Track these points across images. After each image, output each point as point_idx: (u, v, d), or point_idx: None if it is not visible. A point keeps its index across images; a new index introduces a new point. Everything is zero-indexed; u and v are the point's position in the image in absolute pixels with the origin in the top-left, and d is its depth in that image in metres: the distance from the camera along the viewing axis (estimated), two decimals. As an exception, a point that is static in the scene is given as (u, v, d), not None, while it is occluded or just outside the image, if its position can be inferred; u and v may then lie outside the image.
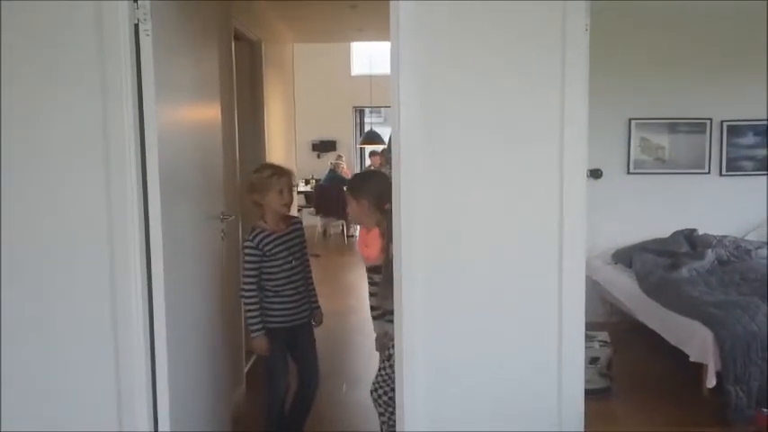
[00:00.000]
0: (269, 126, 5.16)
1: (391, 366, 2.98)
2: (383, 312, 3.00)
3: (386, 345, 3.03)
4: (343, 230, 10.71)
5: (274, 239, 3.23)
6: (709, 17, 5.46)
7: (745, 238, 5.55)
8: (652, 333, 4.52)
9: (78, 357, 2.57)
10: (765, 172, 5.73)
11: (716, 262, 5.07)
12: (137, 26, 2.47)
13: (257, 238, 3.20)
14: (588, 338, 3.57)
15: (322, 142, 12.78)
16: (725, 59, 5.59)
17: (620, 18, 5.30)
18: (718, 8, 5.34)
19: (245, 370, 4.42)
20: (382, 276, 2.90)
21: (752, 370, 3.74)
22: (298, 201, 7.50)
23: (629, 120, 5.70)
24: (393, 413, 2.94)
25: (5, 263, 2.54)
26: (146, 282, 2.56)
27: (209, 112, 3.26)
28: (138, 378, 2.56)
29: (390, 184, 2.58)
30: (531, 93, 2.51)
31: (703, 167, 5.76)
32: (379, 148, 11.32)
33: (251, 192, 3.26)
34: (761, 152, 5.74)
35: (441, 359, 2.58)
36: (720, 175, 5.78)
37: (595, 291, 5.31)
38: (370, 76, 11.70)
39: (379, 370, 3.07)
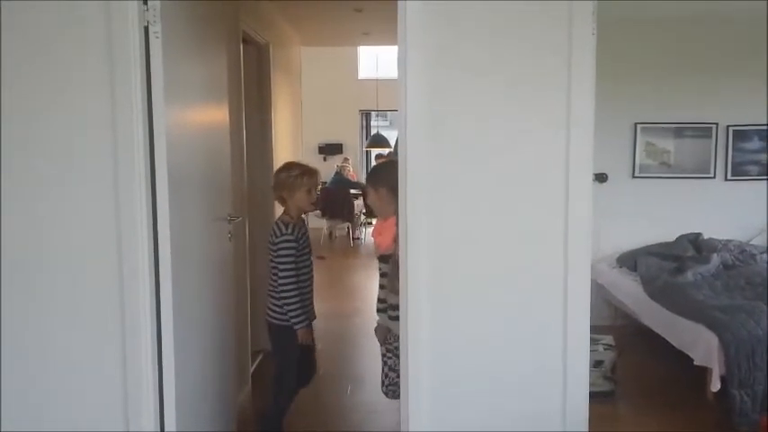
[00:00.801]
0: (276, 128, 5.19)
1: (396, 356, 2.96)
2: (391, 308, 3.02)
3: (386, 337, 3.04)
4: (348, 233, 10.73)
5: (305, 233, 3.32)
6: (715, 21, 5.45)
7: (750, 242, 5.54)
8: (656, 337, 4.52)
9: (85, 357, 2.59)
10: (770, 177, 5.73)
11: (721, 266, 5.07)
12: (146, 28, 2.49)
13: (296, 231, 3.26)
14: (593, 341, 3.57)
15: (328, 145, 12.81)
16: (731, 64, 5.59)
17: (627, 22, 5.31)
18: (724, 12, 5.33)
19: (251, 370, 4.44)
20: (390, 270, 2.92)
21: (756, 374, 3.73)
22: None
23: (635, 124, 5.71)
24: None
25: (13, 262, 2.56)
26: (153, 282, 2.58)
27: (217, 115, 3.28)
28: (144, 379, 2.57)
29: None
30: (537, 96, 2.52)
31: (709, 172, 5.76)
32: (386, 151, 11.33)
33: (279, 189, 3.33)
34: (766, 157, 5.73)
35: (445, 360, 2.59)
36: (726, 179, 5.78)
37: (600, 294, 5.31)
38: (377, 80, 11.73)
39: (387, 371, 3.07)
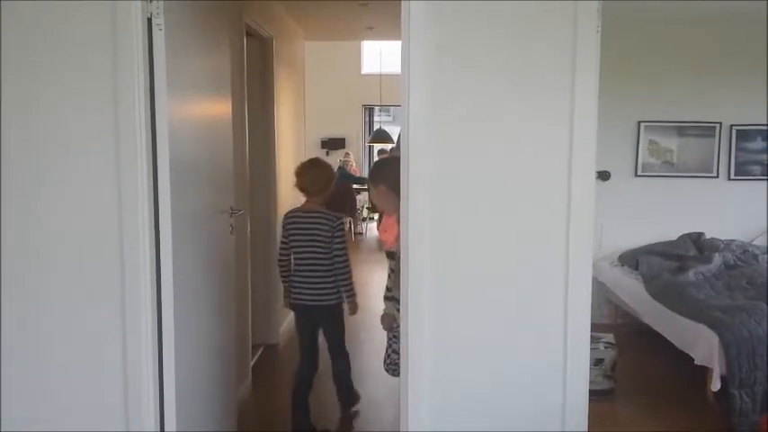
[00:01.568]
0: (279, 122, 5.19)
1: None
2: (392, 296, 3.05)
3: (392, 325, 3.08)
4: (350, 228, 10.73)
5: None
6: (719, 21, 5.44)
7: (753, 242, 5.54)
8: (657, 336, 4.51)
9: (85, 355, 2.58)
10: (773, 177, 5.72)
11: (723, 266, 5.06)
12: (150, 20, 2.49)
13: None
14: (593, 340, 3.56)
15: (331, 140, 12.81)
16: (735, 63, 5.58)
17: (631, 21, 5.30)
18: (728, 11, 5.31)
19: (252, 364, 4.45)
20: (396, 266, 2.92)
21: (757, 374, 3.73)
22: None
23: (638, 122, 5.69)
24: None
25: (14, 256, 2.55)
26: (154, 277, 2.57)
27: (219, 108, 3.28)
28: (145, 377, 2.56)
29: None
30: (541, 94, 2.51)
31: (711, 171, 5.75)
32: (388, 146, 11.33)
33: (324, 183, 3.67)
34: (769, 157, 5.72)
35: (445, 359, 2.59)
36: (728, 179, 5.77)
37: (601, 292, 5.31)
38: (380, 75, 11.71)
39: (392, 352, 3.10)
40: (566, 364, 2.59)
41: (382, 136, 11.51)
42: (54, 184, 2.53)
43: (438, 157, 2.51)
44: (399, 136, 2.65)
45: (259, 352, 4.85)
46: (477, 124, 2.52)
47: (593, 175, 2.57)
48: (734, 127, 5.69)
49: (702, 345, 3.90)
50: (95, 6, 2.46)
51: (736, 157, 5.73)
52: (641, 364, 4.71)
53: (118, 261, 2.53)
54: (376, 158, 12.37)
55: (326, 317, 3.78)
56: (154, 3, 2.48)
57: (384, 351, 3.21)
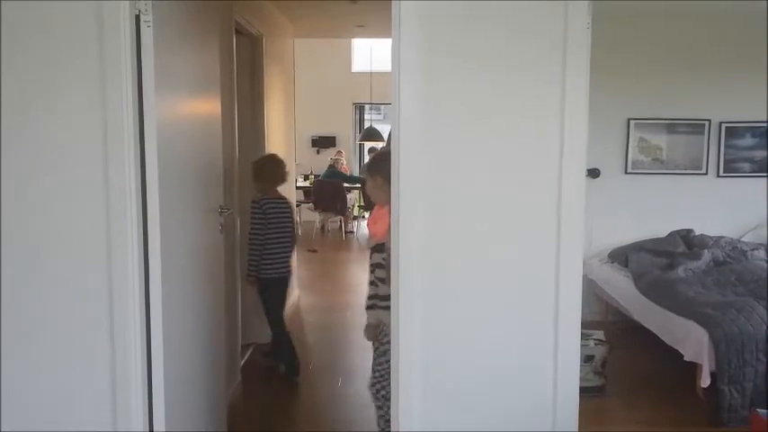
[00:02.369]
0: (269, 120, 5.17)
1: (388, 361, 3.00)
2: (377, 300, 3.03)
3: (378, 336, 3.04)
4: (341, 226, 10.72)
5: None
6: (708, 18, 5.46)
7: (742, 239, 5.57)
8: (647, 332, 4.53)
9: (72, 355, 2.55)
10: (762, 174, 5.74)
11: (712, 262, 5.08)
12: (137, 17, 2.47)
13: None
14: (583, 337, 3.58)
15: (321, 138, 12.79)
16: (724, 61, 5.60)
17: (621, 17, 5.30)
18: (717, 9, 5.34)
19: (241, 364, 4.44)
20: (386, 260, 2.92)
21: (746, 370, 3.75)
22: (296, 196, 7.51)
23: (628, 120, 5.71)
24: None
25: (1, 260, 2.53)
26: (143, 276, 2.55)
27: (209, 106, 3.26)
28: (133, 377, 2.54)
29: None
30: (531, 91, 2.51)
31: (701, 168, 5.78)
32: (379, 144, 11.32)
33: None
34: (759, 154, 5.75)
35: (436, 358, 2.58)
36: (718, 176, 5.79)
37: (591, 289, 5.32)
38: (371, 73, 11.70)
39: (377, 365, 3.09)
40: (556, 361, 2.59)
41: (373, 134, 11.49)
42: (41, 184, 2.51)
43: (428, 154, 2.50)
44: (390, 134, 2.64)
45: (249, 352, 4.84)
46: (467, 122, 2.51)
47: (584, 172, 2.57)
48: (723, 124, 5.72)
49: (692, 341, 3.92)
50: (82, 4, 2.43)
51: (725, 154, 5.76)
52: (631, 361, 4.73)
53: (105, 260, 2.50)
54: (366, 156, 12.37)
55: (287, 285, 4.51)
56: (142, 0, 2.46)
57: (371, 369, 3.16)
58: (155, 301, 2.57)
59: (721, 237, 5.47)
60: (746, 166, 5.77)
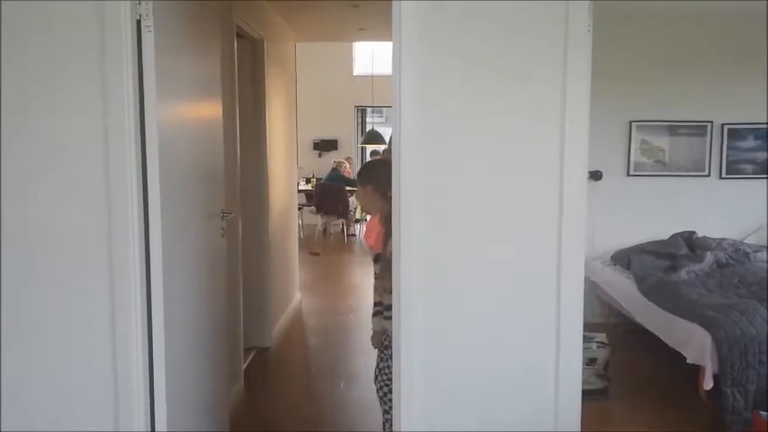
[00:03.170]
0: (270, 124, 5.17)
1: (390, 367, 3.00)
2: (382, 309, 3.02)
3: (383, 342, 3.04)
4: (343, 229, 10.72)
5: None
6: (710, 20, 5.46)
7: (744, 241, 5.56)
8: (649, 334, 4.52)
9: (74, 356, 2.56)
10: (765, 175, 5.73)
11: (714, 265, 5.07)
12: (139, 22, 2.47)
13: None
14: (586, 339, 3.57)
15: (323, 141, 12.79)
16: (726, 62, 5.60)
17: (622, 20, 5.31)
18: (719, 11, 5.34)
19: (244, 367, 4.43)
20: (380, 269, 2.91)
21: (749, 373, 3.74)
22: (298, 199, 7.52)
23: (630, 122, 5.71)
24: None
25: (2, 261, 2.53)
26: (144, 280, 2.56)
27: (210, 110, 3.27)
28: (135, 378, 2.55)
29: None
30: (532, 93, 2.52)
31: (703, 170, 5.77)
32: (381, 147, 11.32)
33: None
34: (761, 155, 5.74)
35: (438, 359, 2.58)
36: (720, 178, 5.78)
37: (594, 292, 5.32)
38: (372, 76, 11.70)
39: (382, 369, 3.08)
40: (558, 363, 2.59)
41: (375, 137, 11.50)
42: (42, 185, 2.51)
43: (428, 154, 2.51)
44: (391, 136, 2.65)
45: (251, 355, 4.84)
46: (467, 123, 2.52)
47: (586, 174, 2.57)
48: (725, 126, 5.71)
49: (695, 343, 3.91)
50: (84, 8, 2.45)
51: (727, 156, 5.75)
52: (634, 364, 4.72)
53: (107, 262, 2.51)
54: (369, 159, 12.37)
55: None
56: (143, 4, 2.47)
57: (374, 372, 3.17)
58: (156, 305, 2.58)
59: (724, 239, 5.46)
60: (749, 167, 5.77)
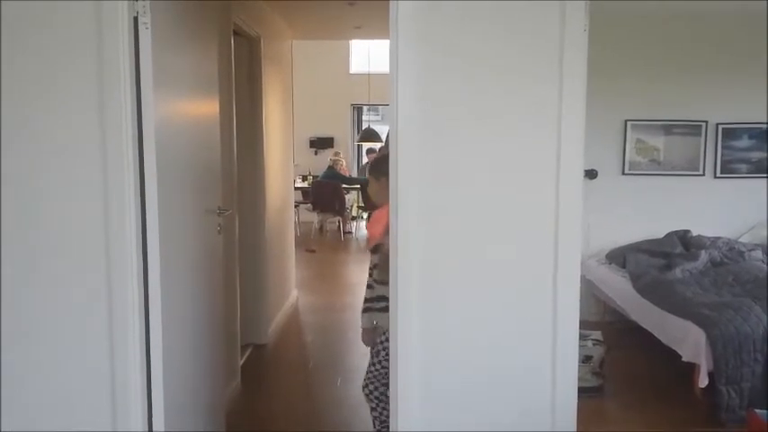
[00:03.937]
0: (267, 122, 5.17)
1: (381, 362, 3.00)
2: (372, 304, 3.04)
3: (374, 339, 3.05)
4: (339, 227, 10.73)
5: None
6: (705, 19, 5.47)
7: (739, 239, 5.58)
8: (645, 333, 4.54)
9: (71, 355, 2.55)
10: (759, 175, 5.75)
11: (709, 263, 5.10)
12: (136, 19, 2.47)
13: None
14: (581, 337, 3.57)
15: (320, 139, 12.79)
16: (721, 62, 5.62)
17: (618, 19, 5.32)
18: (714, 10, 5.35)
19: (240, 364, 4.44)
20: (380, 260, 2.92)
21: (744, 371, 3.76)
22: (294, 196, 7.52)
23: (625, 121, 5.72)
24: (385, 408, 2.96)
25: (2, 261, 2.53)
26: (141, 277, 2.55)
27: (207, 107, 3.27)
28: (132, 376, 2.55)
29: None
30: (528, 92, 2.53)
31: (698, 169, 5.79)
32: (377, 145, 11.33)
33: None
34: (755, 155, 5.77)
35: (436, 358, 2.59)
36: (715, 177, 5.81)
37: (589, 290, 5.34)
38: (369, 74, 11.70)
39: (370, 365, 3.09)
40: (555, 362, 2.60)
41: (371, 135, 11.50)
42: (40, 184, 2.51)
43: (426, 153, 2.51)
44: (388, 134, 2.66)
45: (248, 352, 4.84)
46: (464, 122, 2.53)
47: (581, 173, 2.58)
48: (720, 125, 5.73)
49: (690, 341, 3.93)
50: (81, 6, 2.44)
51: (722, 155, 5.77)
52: (629, 361, 4.74)
53: (104, 263, 2.51)
54: (365, 157, 12.37)
55: None
56: (140, 2, 2.47)
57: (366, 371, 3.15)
58: (153, 302, 2.58)
59: (718, 237, 5.48)
60: (743, 167, 5.79)
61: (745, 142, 5.76)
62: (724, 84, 5.65)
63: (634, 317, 4.76)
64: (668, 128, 5.74)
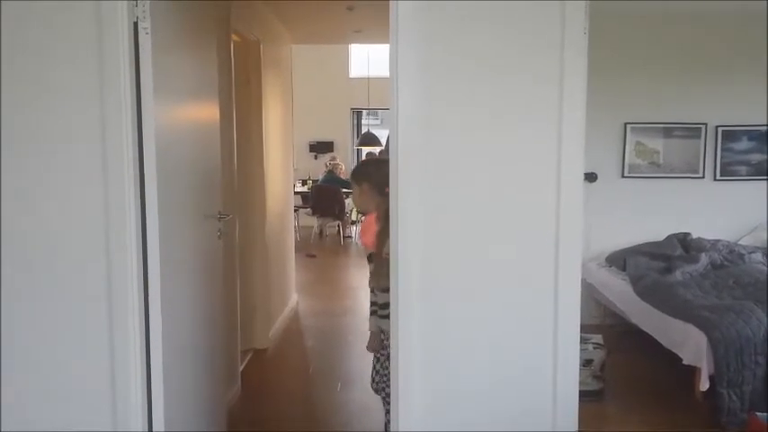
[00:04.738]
0: (266, 126, 5.17)
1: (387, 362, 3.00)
2: (379, 306, 3.03)
3: (382, 343, 3.05)
4: (339, 231, 10.72)
5: None
6: (704, 21, 5.48)
7: (739, 242, 5.58)
8: (645, 336, 4.54)
9: (72, 357, 2.57)
10: (759, 177, 5.75)
11: (709, 266, 5.09)
12: (136, 24, 2.48)
13: None
14: (582, 341, 3.56)
15: (319, 143, 12.80)
16: (720, 64, 5.62)
17: (617, 21, 5.33)
18: (714, 11, 5.36)
19: (241, 369, 4.43)
20: (373, 267, 2.92)
21: (745, 374, 3.75)
22: (294, 201, 7.52)
23: (625, 124, 5.72)
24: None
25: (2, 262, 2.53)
26: (142, 280, 2.56)
27: (207, 112, 3.27)
28: (132, 378, 2.55)
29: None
30: (529, 96, 2.53)
31: (698, 172, 5.79)
32: (377, 149, 11.34)
33: None
34: (755, 157, 5.77)
35: (437, 359, 2.59)
36: (714, 179, 5.80)
37: (589, 293, 5.32)
38: (368, 79, 11.71)
39: (379, 371, 3.09)
40: (556, 365, 2.60)
41: (370, 139, 11.51)
42: (41, 188, 2.52)
43: (427, 156, 2.52)
44: (388, 138, 2.66)
45: (248, 357, 4.84)
46: (465, 126, 2.53)
47: (582, 176, 2.58)
48: (719, 128, 5.74)
49: (690, 344, 3.92)
50: (81, 10, 2.45)
51: (721, 158, 5.77)
52: (630, 365, 4.73)
53: (105, 266, 2.52)
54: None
55: None
56: (140, 6, 2.47)
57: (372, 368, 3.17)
58: (153, 306, 2.58)
59: (718, 240, 5.48)
60: (743, 169, 5.79)
61: (744, 144, 5.76)
62: (723, 86, 5.65)
63: (634, 320, 4.76)
64: (668, 130, 5.75)
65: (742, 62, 5.60)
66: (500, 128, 2.53)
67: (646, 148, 5.76)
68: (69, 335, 2.56)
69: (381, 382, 3.07)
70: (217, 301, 3.37)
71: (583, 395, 2.72)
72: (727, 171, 5.79)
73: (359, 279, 7.47)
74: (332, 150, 12.74)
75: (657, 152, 5.77)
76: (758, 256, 5.20)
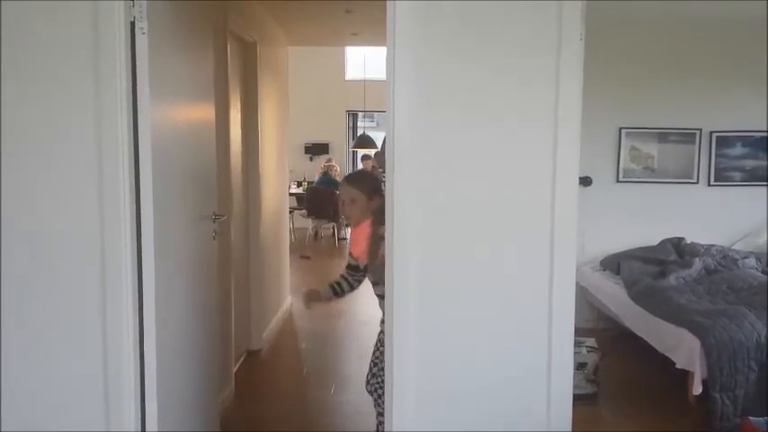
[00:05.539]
0: (262, 127, 5.17)
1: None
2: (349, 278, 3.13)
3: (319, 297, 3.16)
4: (334, 233, 10.72)
5: None
6: (700, 27, 5.50)
7: (733, 247, 5.60)
8: (639, 340, 4.55)
9: (65, 357, 2.56)
10: (753, 183, 5.78)
11: (703, 271, 5.11)
12: (132, 24, 2.48)
13: None
14: (576, 344, 3.58)
15: (315, 145, 12.80)
16: (715, 70, 5.65)
17: (612, 27, 5.35)
18: (710, 17, 5.38)
19: (234, 370, 4.43)
20: (377, 276, 2.92)
21: (738, 378, 3.77)
22: (289, 202, 7.51)
23: (620, 129, 5.74)
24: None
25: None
26: (136, 281, 2.56)
27: (203, 113, 3.27)
28: (125, 378, 2.55)
29: (379, 181, 2.61)
30: (524, 100, 2.54)
31: (692, 177, 5.81)
32: (372, 151, 11.35)
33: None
34: (749, 163, 5.79)
35: (431, 361, 2.59)
36: (709, 184, 5.83)
37: (583, 297, 5.34)
38: (364, 81, 11.72)
39: (375, 374, 3.09)
40: (550, 368, 2.60)
41: (366, 141, 11.51)
42: (37, 188, 2.51)
43: (423, 158, 2.52)
44: (384, 140, 2.67)
45: (242, 359, 4.83)
46: (460, 129, 2.53)
47: (577, 181, 2.59)
48: (714, 133, 5.76)
49: (684, 349, 3.93)
50: (78, 10, 2.45)
51: (716, 163, 5.80)
52: (623, 368, 4.74)
53: (99, 266, 2.51)
54: (359, 164, 12.38)
55: None
56: (137, 6, 2.47)
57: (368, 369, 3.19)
58: (147, 306, 2.58)
59: (712, 245, 5.50)
60: (737, 175, 5.81)
61: (738, 150, 5.79)
62: (718, 92, 5.68)
63: (628, 324, 4.77)
64: (662, 135, 5.77)
65: (737, 68, 5.62)
66: (496, 130, 2.54)
67: (640, 153, 5.78)
68: (63, 335, 2.55)
69: (376, 383, 3.08)
70: (211, 301, 3.36)
71: (576, 398, 2.73)
72: (721, 176, 5.82)
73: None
74: (327, 152, 12.74)
75: (652, 157, 5.79)
76: (752, 262, 5.22)
